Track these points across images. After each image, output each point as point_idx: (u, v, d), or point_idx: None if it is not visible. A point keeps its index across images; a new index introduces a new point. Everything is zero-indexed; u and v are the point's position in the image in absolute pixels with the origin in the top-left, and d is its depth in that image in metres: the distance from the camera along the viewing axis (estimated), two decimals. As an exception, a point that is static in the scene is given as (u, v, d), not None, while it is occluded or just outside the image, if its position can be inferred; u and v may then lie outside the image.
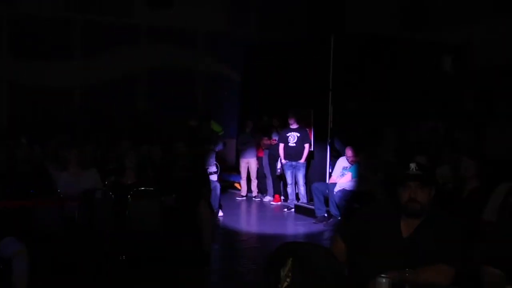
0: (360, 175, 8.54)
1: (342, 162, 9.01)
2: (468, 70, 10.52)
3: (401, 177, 3.02)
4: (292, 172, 9.94)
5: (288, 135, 9.95)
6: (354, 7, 13.70)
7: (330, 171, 9.55)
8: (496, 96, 9.05)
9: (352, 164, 8.80)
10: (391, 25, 12.60)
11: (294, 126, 9.95)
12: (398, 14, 12.83)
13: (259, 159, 11.03)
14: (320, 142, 9.97)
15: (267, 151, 10.78)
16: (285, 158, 9.96)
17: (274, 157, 10.51)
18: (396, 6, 12.93)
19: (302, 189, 9.95)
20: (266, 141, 10.71)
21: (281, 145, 10.01)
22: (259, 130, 10.99)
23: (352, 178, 8.62)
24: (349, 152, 8.85)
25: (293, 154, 9.88)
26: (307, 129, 10.05)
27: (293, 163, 9.89)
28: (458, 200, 5.09)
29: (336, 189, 8.53)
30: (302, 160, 9.86)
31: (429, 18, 11.95)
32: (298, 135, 9.87)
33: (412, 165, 3.01)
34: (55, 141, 8.57)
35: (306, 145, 9.87)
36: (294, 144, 9.87)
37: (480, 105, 9.20)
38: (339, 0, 14.01)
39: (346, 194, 8.39)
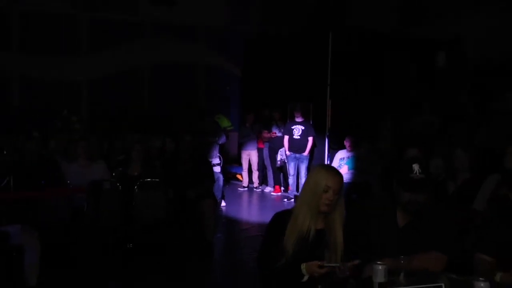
0: (358, 167, 8.59)
1: (340, 154, 9.05)
2: (462, 65, 10.53)
3: (405, 182, 2.95)
4: (295, 164, 9.99)
5: (293, 128, 10.00)
6: (354, 1, 13.70)
7: (329, 163, 9.59)
8: (489, 90, 9.07)
9: (350, 152, 8.87)
10: (389, 20, 12.59)
11: (299, 119, 10.00)
12: (396, 9, 12.83)
13: (260, 151, 11.07)
14: (318, 135, 10.00)
15: (267, 143, 10.82)
16: (289, 150, 10.01)
17: (274, 150, 10.57)
18: (394, 1, 12.93)
19: (303, 180, 9.96)
20: (266, 134, 10.75)
21: (286, 137, 10.06)
22: (260, 123, 11.02)
23: (348, 170, 8.67)
24: (347, 142, 8.93)
25: (297, 146, 9.93)
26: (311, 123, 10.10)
27: (297, 155, 9.94)
28: (450, 191, 5.14)
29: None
30: (306, 153, 9.92)
31: (425, 13, 11.94)
32: (303, 128, 9.93)
33: (416, 167, 2.93)
34: (64, 134, 8.61)
35: (310, 138, 9.91)
36: (299, 137, 9.93)
37: (473, 98, 9.21)
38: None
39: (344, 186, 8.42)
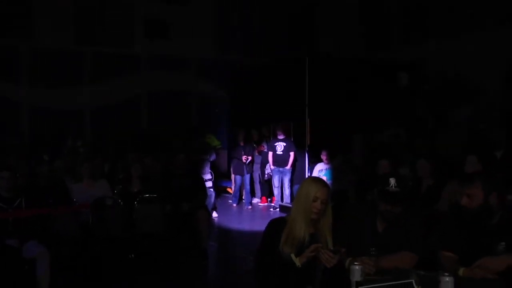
0: (334, 177, 8.60)
1: (319, 167, 9.07)
2: (422, 84, 10.67)
3: (382, 193, 2.93)
4: (279, 177, 10.00)
5: (276, 144, 10.01)
6: (325, 31, 13.92)
7: (309, 174, 9.60)
8: (445, 105, 9.19)
9: (327, 165, 8.88)
10: (357, 45, 12.78)
11: (281, 136, 10.01)
12: (362, 36, 13.04)
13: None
14: (299, 150, 10.02)
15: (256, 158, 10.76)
16: (273, 164, 10.01)
17: (262, 164, 10.53)
18: (359, 30, 13.15)
19: (287, 191, 9.99)
20: (258, 149, 10.72)
21: (270, 153, 10.06)
22: (251, 143, 10.92)
23: (327, 181, 8.66)
24: (324, 155, 8.96)
25: (280, 161, 9.92)
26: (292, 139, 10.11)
27: (280, 169, 9.94)
28: (417, 196, 5.16)
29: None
30: (288, 166, 9.92)
31: (388, 39, 12.16)
32: (285, 144, 9.93)
33: (392, 181, 2.89)
34: (70, 157, 8.52)
35: (292, 153, 9.91)
36: (281, 152, 9.92)
37: (432, 113, 9.32)
38: (312, 26, 14.23)
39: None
